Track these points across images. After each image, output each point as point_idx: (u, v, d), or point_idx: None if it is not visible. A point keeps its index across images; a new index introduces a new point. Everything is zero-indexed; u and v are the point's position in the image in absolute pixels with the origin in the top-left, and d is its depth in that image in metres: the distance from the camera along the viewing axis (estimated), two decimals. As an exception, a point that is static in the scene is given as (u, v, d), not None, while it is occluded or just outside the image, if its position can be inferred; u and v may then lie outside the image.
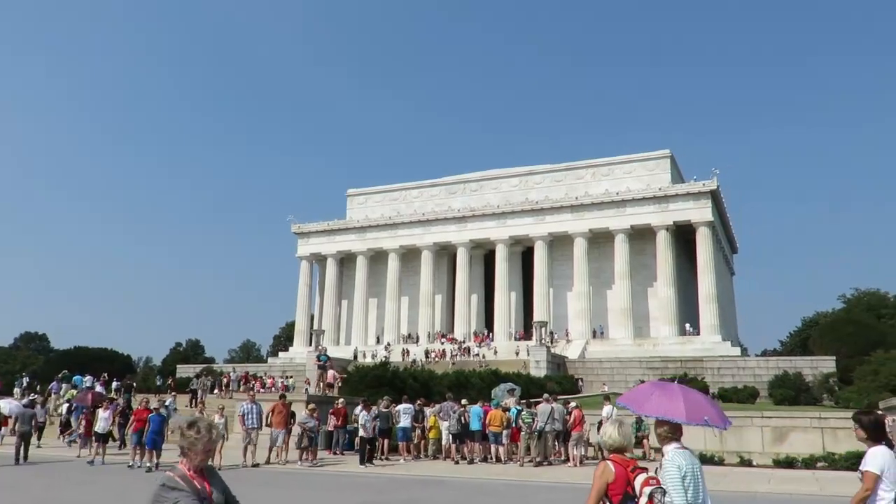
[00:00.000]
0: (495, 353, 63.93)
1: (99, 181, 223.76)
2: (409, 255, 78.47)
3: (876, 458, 5.94)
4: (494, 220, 74.23)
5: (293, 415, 21.93)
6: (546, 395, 21.66)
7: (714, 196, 68.13)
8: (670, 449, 5.17)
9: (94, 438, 21.73)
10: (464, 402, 22.72)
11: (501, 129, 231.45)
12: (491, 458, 21.09)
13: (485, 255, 77.92)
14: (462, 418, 21.27)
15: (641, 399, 5.68)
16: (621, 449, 5.07)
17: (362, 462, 20.51)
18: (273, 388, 45.00)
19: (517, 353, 61.65)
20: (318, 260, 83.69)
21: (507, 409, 21.44)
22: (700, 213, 67.22)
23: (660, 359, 59.34)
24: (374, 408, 23.25)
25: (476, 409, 21.63)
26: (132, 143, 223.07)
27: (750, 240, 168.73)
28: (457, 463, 20.88)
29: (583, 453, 20.20)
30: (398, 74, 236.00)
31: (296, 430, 21.37)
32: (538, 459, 20.09)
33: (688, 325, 66.92)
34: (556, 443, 20.90)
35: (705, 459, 20.26)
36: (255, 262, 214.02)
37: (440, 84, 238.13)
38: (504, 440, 20.78)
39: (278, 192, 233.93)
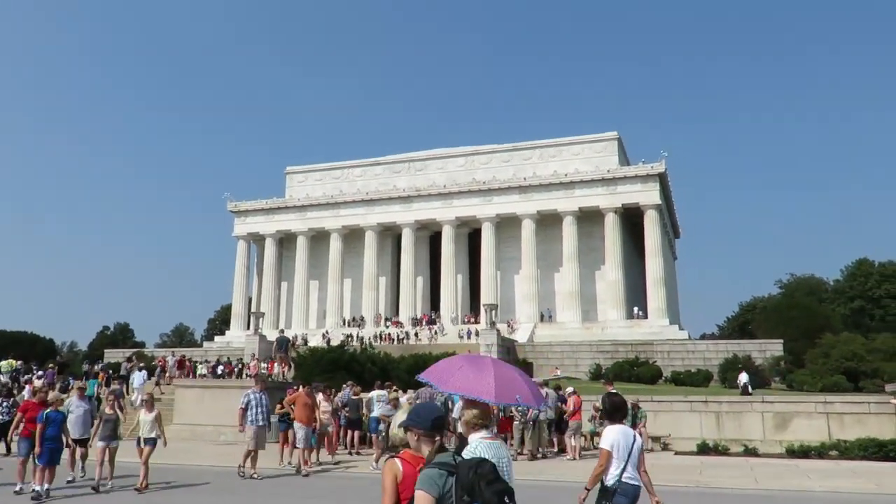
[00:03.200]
0: (443, 336, 62.31)
1: (17, 157, 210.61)
2: (352, 236, 75.73)
3: (608, 436, 6.49)
4: (440, 201, 72.18)
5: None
6: (540, 380, 19.79)
7: (662, 179, 67.99)
8: (476, 438, 4.47)
9: None
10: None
11: (446, 109, 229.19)
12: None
13: (430, 237, 75.86)
14: (446, 406, 19.20)
15: (447, 374, 4.93)
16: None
17: None
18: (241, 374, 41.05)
19: (462, 337, 60.16)
20: (257, 240, 79.97)
21: (493, 396, 19.42)
22: (648, 195, 66.88)
23: (610, 342, 58.76)
24: (340, 394, 21.11)
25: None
26: (54, 118, 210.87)
27: (686, 225, 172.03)
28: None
29: (581, 444, 18.46)
30: (338, 53, 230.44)
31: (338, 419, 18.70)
32: (533, 452, 18.22)
33: (636, 309, 66.68)
34: (550, 433, 19.07)
35: (706, 448, 18.85)
36: (189, 243, 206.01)
37: (382, 63, 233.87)
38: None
39: (213, 169, 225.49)
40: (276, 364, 34.51)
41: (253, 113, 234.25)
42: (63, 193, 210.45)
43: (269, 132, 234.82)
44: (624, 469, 6.31)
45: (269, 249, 78.10)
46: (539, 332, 64.40)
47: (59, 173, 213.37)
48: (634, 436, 6.51)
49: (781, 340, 54.55)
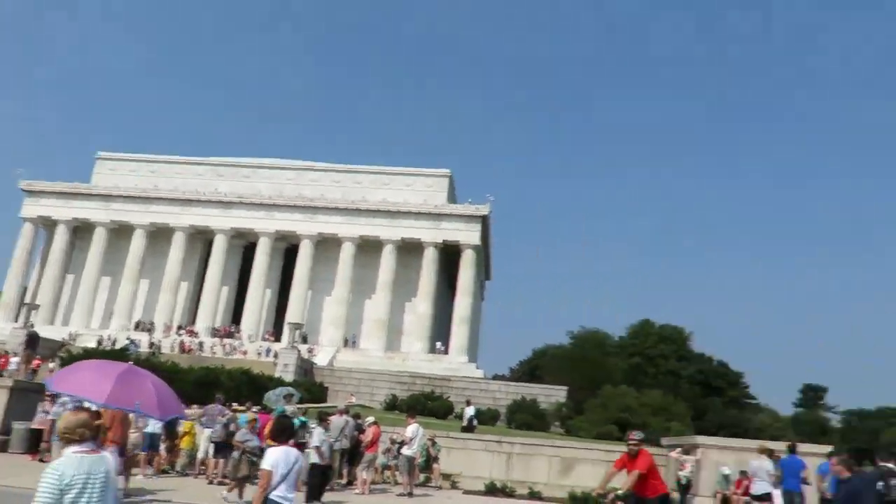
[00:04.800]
0: (241, 351, 59.76)
1: None
2: (160, 235, 70.66)
3: (269, 456, 6.96)
4: (263, 211, 69.78)
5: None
6: (341, 406, 19.12)
7: (484, 221, 70.48)
8: (69, 451, 4.17)
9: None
10: (235, 405, 19.33)
11: (278, 118, 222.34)
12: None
13: (245, 247, 72.78)
14: (230, 426, 17.91)
15: (67, 373, 4.86)
16: None
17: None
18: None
19: (261, 354, 58.21)
20: (48, 225, 72.22)
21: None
22: (469, 235, 68.99)
23: (409, 374, 59.20)
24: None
25: (246, 417, 18.25)
26: None
27: (497, 266, 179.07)
28: (211, 482, 17.43)
29: (373, 478, 17.96)
30: (172, 44, 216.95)
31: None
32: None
33: (438, 343, 68.02)
34: (342, 463, 18.35)
35: (494, 489, 19.18)
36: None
37: (212, 62, 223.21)
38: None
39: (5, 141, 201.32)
40: (11, 357, 30.93)
41: (62, 90, 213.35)
42: None
43: (80, 112, 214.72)
44: (275, 488, 6.70)
45: (60, 236, 70.68)
46: (341, 356, 63.65)
47: None
48: (297, 457, 6.98)
49: (566, 387, 58.08)
